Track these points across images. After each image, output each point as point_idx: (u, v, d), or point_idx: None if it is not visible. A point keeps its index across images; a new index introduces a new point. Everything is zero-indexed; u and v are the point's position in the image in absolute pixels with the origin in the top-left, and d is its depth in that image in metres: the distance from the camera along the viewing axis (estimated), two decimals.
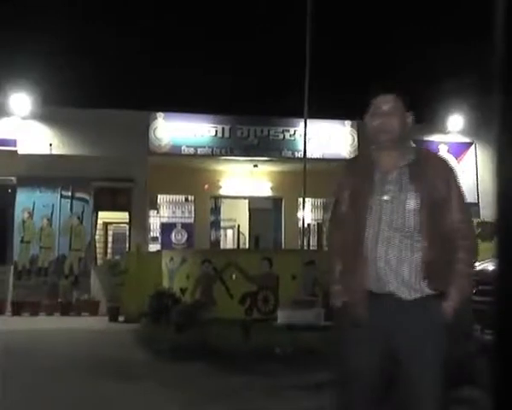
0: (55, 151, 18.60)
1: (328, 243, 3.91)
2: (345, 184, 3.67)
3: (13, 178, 18.34)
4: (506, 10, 1.00)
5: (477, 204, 20.91)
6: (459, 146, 21.23)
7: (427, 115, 20.85)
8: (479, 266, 10.52)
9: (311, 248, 20.98)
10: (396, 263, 3.37)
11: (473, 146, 21.29)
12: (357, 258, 3.43)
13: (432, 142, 20.96)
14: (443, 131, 21.06)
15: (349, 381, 3.54)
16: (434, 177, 3.48)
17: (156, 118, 19.49)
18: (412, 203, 3.39)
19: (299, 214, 19.72)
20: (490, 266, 10.11)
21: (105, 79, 23.52)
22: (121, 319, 15.97)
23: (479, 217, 20.79)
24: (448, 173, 3.57)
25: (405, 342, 3.38)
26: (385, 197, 3.44)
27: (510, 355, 1.01)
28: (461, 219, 3.49)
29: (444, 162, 3.67)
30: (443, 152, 20.89)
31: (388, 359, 3.44)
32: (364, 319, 3.40)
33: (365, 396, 3.50)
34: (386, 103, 3.61)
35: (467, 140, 21.29)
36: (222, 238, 23.33)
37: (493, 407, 1.04)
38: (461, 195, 3.58)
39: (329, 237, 3.97)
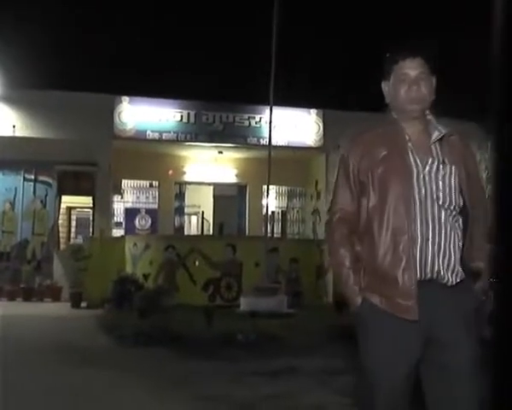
0: (19, 133, 18.35)
1: (330, 235, 3.37)
2: (366, 158, 3.24)
3: None
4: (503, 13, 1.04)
5: None
6: None
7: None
8: None
9: (274, 235, 21.10)
10: (444, 244, 3.07)
11: None
12: (401, 242, 3.05)
13: None
14: None
15: (383, 380, 3.14)
16: (464, 151, 3.30)
17: (121, 102, 19.32)
18: (453, 179, 3.14)
19: (264, 202, 19.77)
20: None
21: (70, 62, 23.32)
22: (84, 304, 15.90)
23: None
24: (470, 148, 3.42)
25: (449, 331, 3.06)
26: (427, 172, 3.11)
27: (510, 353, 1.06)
28: (483, 196, 3.33)
29: (464, 137, 3.43)
30: None
31: (426, 350, 3.10)
32: (413, 314, 3.02)
33: (398, 397, 3.18)
34: (414, 69, 3.24)
35: None
36: (186, 224, 23.31)
37: (494, 402, 1.08)
38: (480, 171, 3.41)
39: (334, 226, 3.34)
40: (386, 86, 3.41)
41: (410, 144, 3.18)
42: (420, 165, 3.13)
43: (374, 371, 3.18)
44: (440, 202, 3.10)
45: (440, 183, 3.12)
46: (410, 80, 3.24)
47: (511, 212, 0.97)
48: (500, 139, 1.00)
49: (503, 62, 1.00)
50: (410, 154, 3.15)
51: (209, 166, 21.34)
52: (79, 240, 19.52)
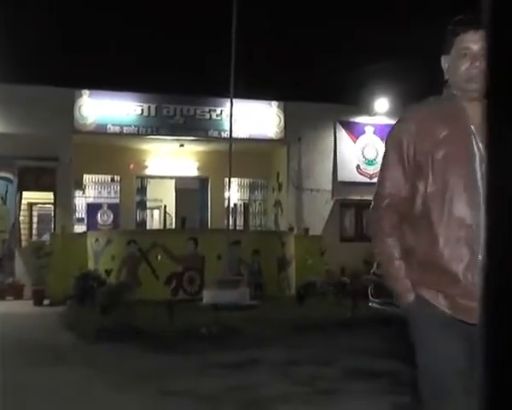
0: None
1: (377, 223, 3.12)
2: (424, 137, 2.93)
3: None
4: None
5: None
6: (385, 128, 21.61)
7: (354, 97, 21.18)
8: None
9: (237, 228, 21.16)
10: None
11: None
12: (464, 235, 2.77)
13: (359, 123, 21.33)
14: (370, 113, 21.41)
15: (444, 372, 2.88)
16: None
17: (81, 95, 19.18)
18: None
19: (226, 194, 19.82)
20: None
21: (29, 55, 23.05)
22: (46, 302, 15.81)
23: None
24: None
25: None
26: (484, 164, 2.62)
27: (499, 356, 1.10)
28: None
29: None
30: (369, 133, 21.30)
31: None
32: (474, 317, 2.62)
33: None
34: (476, 42, 2.87)
35: (393, 122, 21.63)
36: (148, 219, 23.25)
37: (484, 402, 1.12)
38: None
39: (382, 213, 3.08)
40: (445, 61, 3.04)
41: (472, 127, 2.86)
42: (482, 150, 2.79)
43: (431, 371, 2.93)
44: None
45: None
46: (471, 55, 2.89)
47: (503, 210, 1.01)
48: (492, 136, 1.04)
49: (493, 54, 1.04)
50: (472, 137, 2.85)
51: (171, 160, 21.31)
52: (46, 237, 19.31)
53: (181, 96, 19.99)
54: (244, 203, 22.46)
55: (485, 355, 1.06)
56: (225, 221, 16.69)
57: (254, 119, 20.26)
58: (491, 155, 1.07)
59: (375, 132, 21.40)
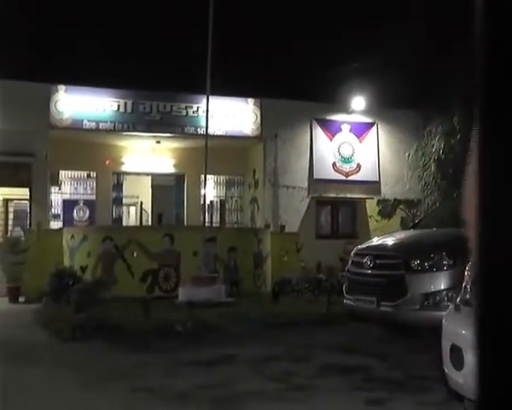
0: None
1: None
2: None
3: None
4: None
5: (378, 182, 21.57)
6: (361, 126, 21.73)
7: (331, 95, 21.26)
8: (377, 240, 11.01)
9: (213, 224, 21.16)
10: None
11: (374, 126, 21.85)
12: None
13: (335, 121, 21.42)
14: (346, 111, 21.50)
15: None
16: None
17: (57, 91, 19.09)
18: None
19: (202, 191, 19.83)
20: (388, 241, 10.57)
21: (4, 50, 22.87)
22: (22, 299, 15.71)
23: (379, 194, 21.47)
24: None
25: None
26: None
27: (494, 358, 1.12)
28: None
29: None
30: (345, 131, 21.39)
31: None
32: None
33: None
34: None
35: (369, 120, 21.81)
36: (125, 215, 23.19)
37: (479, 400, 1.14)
38: None
39: None
40: None
41: None
42: None
43: None
44: None
45: None
46: None
47: (493, 205, 1.04)
48: (482, 131, 1.06)
49: (484, 51, 1.07)
50: None
51: (147, 156, 21.27)
52: (17, 232, 19.21)
53: (157, 93, 19.96)
54: (220, 200, 22.45)
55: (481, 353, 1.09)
56: (201, 218, 16.71)
57: (231, 116, 20.28)
58: (486, 156, 1.10)
59: (351, 130, 21.49)
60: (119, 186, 21.89)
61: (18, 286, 16.02)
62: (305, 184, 20.93)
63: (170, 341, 9.48)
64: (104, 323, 10.19)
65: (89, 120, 19.21)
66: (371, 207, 21.43)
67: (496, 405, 1.08)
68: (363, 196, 21.51)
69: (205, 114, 15.86)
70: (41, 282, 14.52)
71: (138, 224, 21.94)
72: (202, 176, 17.42)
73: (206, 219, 16.58)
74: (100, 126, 19.37)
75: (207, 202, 18.73)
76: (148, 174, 22.19)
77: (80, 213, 21.09)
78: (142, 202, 22.63)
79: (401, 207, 21.56)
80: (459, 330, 5.14)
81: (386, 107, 21.50)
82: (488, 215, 1.08)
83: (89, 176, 21.42)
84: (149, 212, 22.69)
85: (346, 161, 21.22)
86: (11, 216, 21.36)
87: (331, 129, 21.30)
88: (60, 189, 21.16)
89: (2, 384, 6.99)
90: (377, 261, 9.96)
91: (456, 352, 5.13)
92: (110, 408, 6.26)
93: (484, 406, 1.10)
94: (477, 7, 1.07)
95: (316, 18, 23.87)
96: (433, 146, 21.67)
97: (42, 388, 6.95)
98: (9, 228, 20.98)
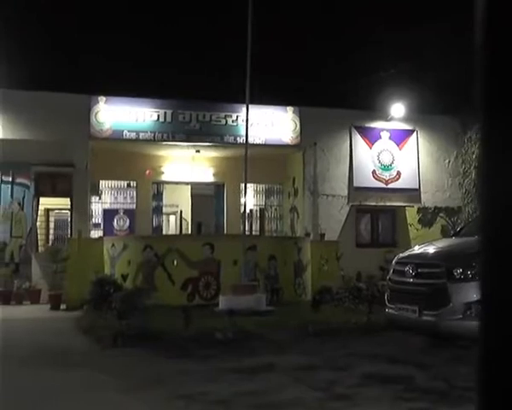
0: None
1: None
2: None
3: None
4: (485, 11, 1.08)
5: (418, 190, 21.38)
6: (401, 133, 21.59)
7: (369, 103, 21.16)
8: (418, 249, 10.89)
9: (253, 233, 21.14)
10: None
11: (414, 133, 21.68)
12: None
13: (374, 128, 21.30)
14: (385, 118, 21.37)
15: None
16: None
17: (98, 102, 19.31)
18: None
19: (242, 200, 19.84)
20: (429, 250, 10.45)
21: (47, 62, 23.20)
22: (63, 306, 15.87)
23: (419, 202, 21.28)
24: None
25: None
26: None
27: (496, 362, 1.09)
28: None
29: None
30: (385, 139, 21.26)
31: None
32: None
33: None
34: None
35: (408, 127, 21.65)
36: (164, 224, 23.31)
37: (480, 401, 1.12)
38: None
39: None
40: None
41: None
42: None
43: None
44: None
45: None
46: None
47: (496, 208, 1.01)
48: (485, 134, 1.04)
49: (485, 54, 1.04)
50: None
51: (186, 166, 21.37)
52: (59, 244, 19.41)
53: (197, 102, 20.05)
54: (260, 209, 22.45)
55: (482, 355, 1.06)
56: (241, 227, 16.70)
57: (270, 124, 20.29)
58: (488, 156, 1.07)
59: (390, 138, 21.36)
60: (158, 195, 22.01)
61: (59, 294, 16.20)
62: (345, 192, 20.83)
63: (210, 348, 9.45)
64: (145, 330, 10.22)
65: (129, 131, 19.37)
66: (411, 215, 21.24)
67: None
68: (403, 204, 21.34)
69: (244, 123, 15.89)
70: (81, 290, 14.64)
71: (178, 233, 22.03)
72: (242, 185, 17.44)
73: (246, 228, 16.55)
74: (140, 136, 19.51)
75: (247, 210, 18.71)
76: (187, 183, 22.29)
77: (120, 223, 21.25)
78: (181, 211, 22.73)
79: (441, 215, 21.34)
80: None
81: (425, 113, 21.32)
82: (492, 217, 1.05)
83: (129, 185, 21.58)
84: (189, 221, 22.78)
85: (386, 168, 21.08)
86: (52, 226, 21.62)
87: (370, 136, 21.18)
88: (100, 198, 21.36)
89: (44, 389, 7.05)
90: (419, 270, 9.85)
91: None
92: None
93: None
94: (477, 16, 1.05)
95: (353, 25, 23.77)
96: (473, 153, 21.42)
97: (83, 392, 6.99)
98: (50, 237, 21.23)
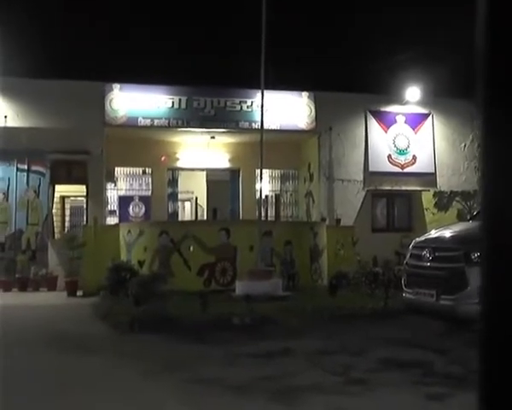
0: (10, 123, 18.35)
1: None
2: None
3: None
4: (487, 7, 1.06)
5: (434, 174, 21.27)
6: (416, 117, 21.45)
7: (385, 86, 21.04)
8: (435, 233, 10.83)
9: (268, 218, 21.14)
10: None
11: (430, 117, 21.54)
12: None
13: (390, 113, 21.19)
14: (400, 102, 21.24)
15: None
16: None
17: (112, 89, 19.32)
18: None
19: (257, 185, 19.81)
20: (446, 233, 10.39)
21: (60, 50, 23.23)
22: (80, 293, 15.96)
23: (435, 186, 21.17)
24: None
25: None
26: None
27: (498, 351, 1.08)
28: None
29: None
30: (400, 123, 21.15)
31: None
32: None
33: None
34: None
35: (424, 111, 21.51)
36: (180, 210, 23.33)
37: (481, 395, 1.10)
38: None
39: None
40: None
41: None
42: None
43: None
44: None
45: None
46: None
47: (497, 199, 1.00)
48: (486, 123, 1.02)
49: (486, 43, 1.02)
50: None
51: (202, 152, 21.34)
52: (75, 230, 19.49)
53: (211, 88, 20.01)
54: (275, 194, 22.41)
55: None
56: (256, 212, 16.67)
57: (285, 109, 20.22)
58: (489, 156, 1.05)
59: (406, 122, 21.24)
60: (174, 182, 22.01)
61: (75, 280, 16.27)
62: (361, 177, 20.76)
63: (227, 333, 9.46)
64: (162, 316, 10.25)
65: (143, 117, 19.38)
66: (427, 199, 21.13)
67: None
68: (419, 189, 21.24)
69: (259, 109, 15.84)
70: (98, 276, 14.69)
71: (194, 219, 22.05)
72: (257, 170, 17.41)
73: (262, 214, 16.53)
74: (155, 123, 19.52)
75: (262, 196, 18.69)
76: (202, 169, 22.28)
77: (136, 209, 21.29)
78: (197, 198, 22.74)
79: (457, 198, 21.22)
80: None
81: (441, 96, 21.16)
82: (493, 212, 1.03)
83: (144, 172, 21.59)
84: (204, 207, 22.79)
85: (402, 152, 20.98)
86: (68, 213, 21.70)
87: (386, 121, 21.07)
88: (115, 185, 21.40)
89: (62, 374, 7.09)
90: (436, 254, 9.80)
91: None
92: (171, 395, 6.27)
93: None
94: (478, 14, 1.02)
95: (369, 8, 23.61)
96: None
97: (103, 375, 7.02)
98: (66, 224, 21.31)
